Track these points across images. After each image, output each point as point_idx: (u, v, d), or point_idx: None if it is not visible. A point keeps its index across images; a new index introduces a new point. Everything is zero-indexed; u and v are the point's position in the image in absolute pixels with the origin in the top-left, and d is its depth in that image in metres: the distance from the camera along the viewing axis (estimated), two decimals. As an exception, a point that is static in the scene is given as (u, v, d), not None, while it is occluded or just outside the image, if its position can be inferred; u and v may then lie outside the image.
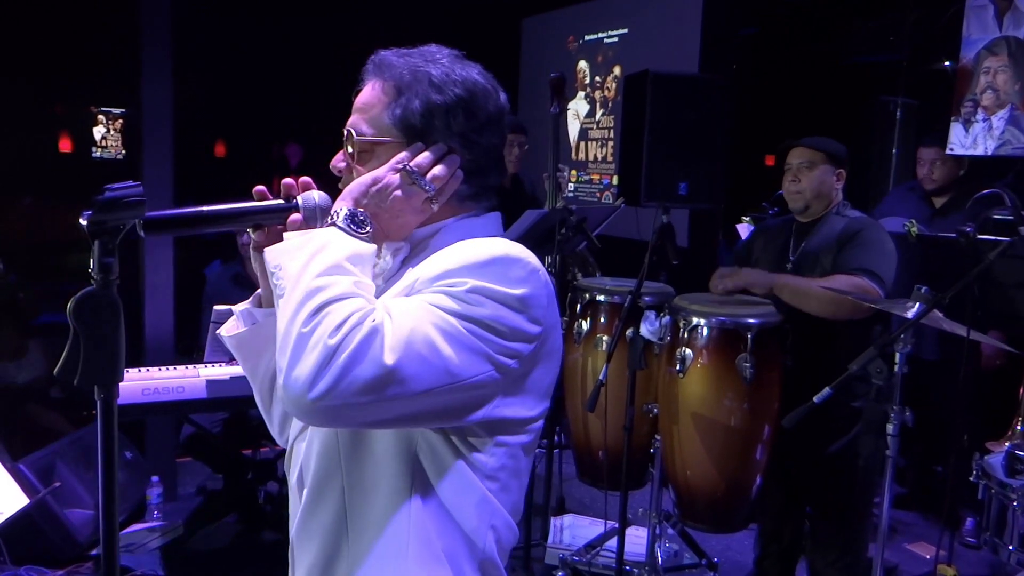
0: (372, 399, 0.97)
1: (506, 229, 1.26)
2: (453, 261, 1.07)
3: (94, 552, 3.18)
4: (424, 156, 1.14)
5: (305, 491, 1.18)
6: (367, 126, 1.18)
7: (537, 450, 3.64)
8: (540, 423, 1.17)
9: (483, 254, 1.07)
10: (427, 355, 1.00)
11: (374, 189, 1.13)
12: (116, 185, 1.10)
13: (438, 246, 1.15)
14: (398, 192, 1.13)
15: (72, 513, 3.23)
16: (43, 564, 3.07)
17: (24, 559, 3.06)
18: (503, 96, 1.19)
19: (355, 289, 1.02)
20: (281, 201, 1.17)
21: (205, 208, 1.18)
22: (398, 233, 1.16)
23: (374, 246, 1.11)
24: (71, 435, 3.66)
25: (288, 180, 1.20)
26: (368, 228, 1.11)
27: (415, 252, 1.19)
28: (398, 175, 1.13)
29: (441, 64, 1.16)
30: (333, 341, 0.96)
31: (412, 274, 1.11)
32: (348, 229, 1.09)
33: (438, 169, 1.14)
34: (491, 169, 1.19)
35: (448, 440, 1.11)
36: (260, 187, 1.20)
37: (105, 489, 1.16)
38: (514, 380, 1.09)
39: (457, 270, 1.05)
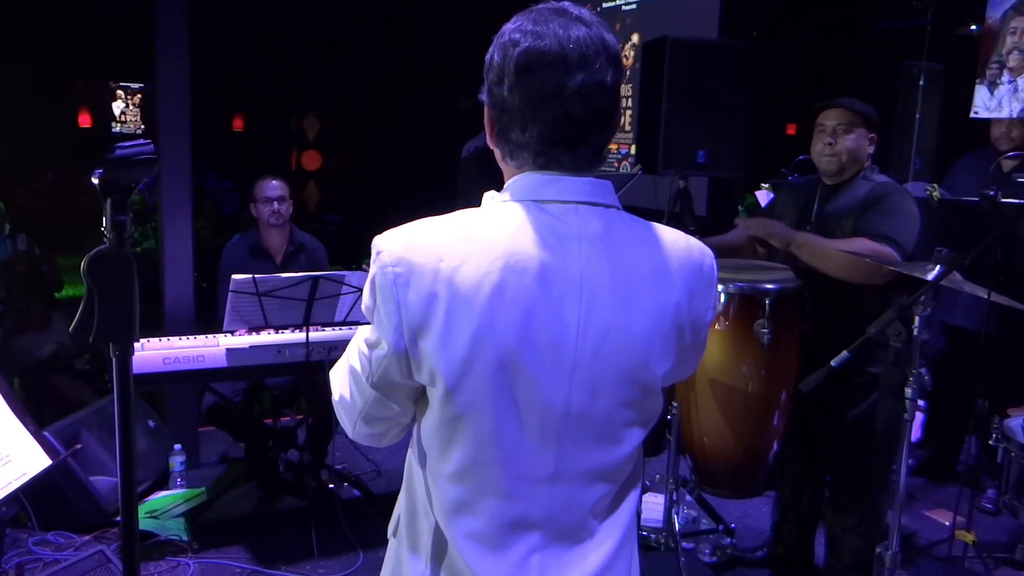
0: None
1: None
2: None
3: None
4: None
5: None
6: None
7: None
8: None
9: None
10: None
11: None
12: (126, 143, 1.11)
13: None
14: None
15: (97, 480, 3.29)
16: (70, 529, 3.14)
17: (51, 525, 3.13)
18: (529, 44, 1.07)
19: None
20: None
21: None
22: None
23: None
24: (95, 404, 3.72)
25: None
26: None
27: None
28: None
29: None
30: None
31: None
32: None
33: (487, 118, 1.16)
34: (514, 126, 1.10)
35: None
36: None
37: (122, 445, 1.18)
38: None
39: None
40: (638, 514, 2.79)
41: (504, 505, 1.11)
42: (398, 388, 1.12)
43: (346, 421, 1.21)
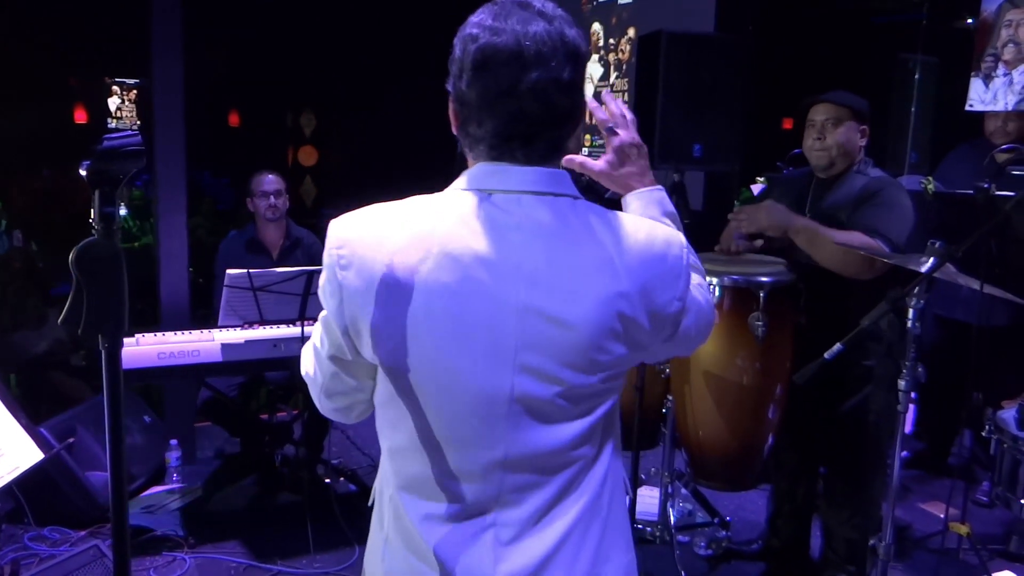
0: None
1: None
2: None
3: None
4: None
5: None
6: None
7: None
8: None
9: None
10: None
11: None
12: (114, 134, 1.11)
13: None
14: None
15: (93, 475, 3.29)
16: (66, 525, 3.14)
17: (47, 520, 3.14)
18: (485, 40, 1.08)
19: None
20: None
21: None
22: None
23: None
24: (90, 400, 3.72)
25: None
26: None
27: None
28: None
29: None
30: None
31: None
32: None
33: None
34: (471, 120, 1.12)
35: None
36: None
37: (112, 438, 1.18)
38: None
39: None
40: (630, 505, 2.80)
41: (455, 483, 1.14)
42: (349, 364, 1.17)
43: (313, 396, 1.27)
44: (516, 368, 1.09)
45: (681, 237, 1.19)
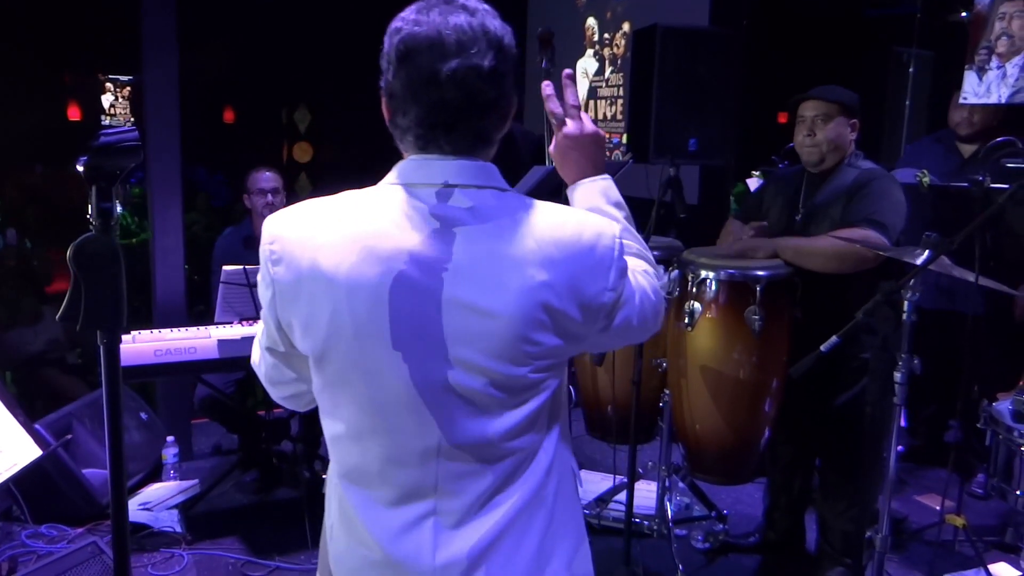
0: None
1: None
2: None
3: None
4: None
5: None
6: None
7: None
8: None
9: None
10: None
11: None
12: (111, 130, 1.11)
13: None
14: None
15: (90, 473, 3.28)
16: (63, 522, 3.13)
17: (44, 517, 3.13)
18: (408, 31, 1.11)
19: None
20: None
21: None
22: None
23: None
24: (87, 397, 3.71)
25: None
26: None
27: None
28: None
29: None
30: None
31: None
32: None
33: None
34: (399, 111, 1.14)
35: None
36: None
37: (111, 434, 1.18)
38: None
39: None
40: (632, 500, 2.81)
41: (392, 472, 1.17)
42: (285, 356, 1.22)
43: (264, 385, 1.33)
44: (445, 359, 1.11)
45: (615, 228, 1.19)
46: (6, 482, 2.73)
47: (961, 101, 3.67)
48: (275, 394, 1.32)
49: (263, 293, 1.18)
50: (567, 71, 1.41)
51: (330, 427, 1.21)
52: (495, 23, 1.13)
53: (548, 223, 1.14)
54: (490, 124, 1.16)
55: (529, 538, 1.19)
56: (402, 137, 1.17)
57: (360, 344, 1.11)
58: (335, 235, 1.12)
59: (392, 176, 1.16)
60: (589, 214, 1.21)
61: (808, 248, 2.64)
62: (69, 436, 3.23)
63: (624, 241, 1.22)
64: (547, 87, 1.39)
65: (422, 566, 1.16)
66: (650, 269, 1.32)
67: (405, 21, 1.12)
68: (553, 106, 1.38)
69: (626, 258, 1.22)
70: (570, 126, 1.37)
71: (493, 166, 1.18)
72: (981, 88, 3.61)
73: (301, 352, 1.18)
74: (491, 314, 1.09)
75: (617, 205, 1.35)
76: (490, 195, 1.14)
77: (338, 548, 1.24)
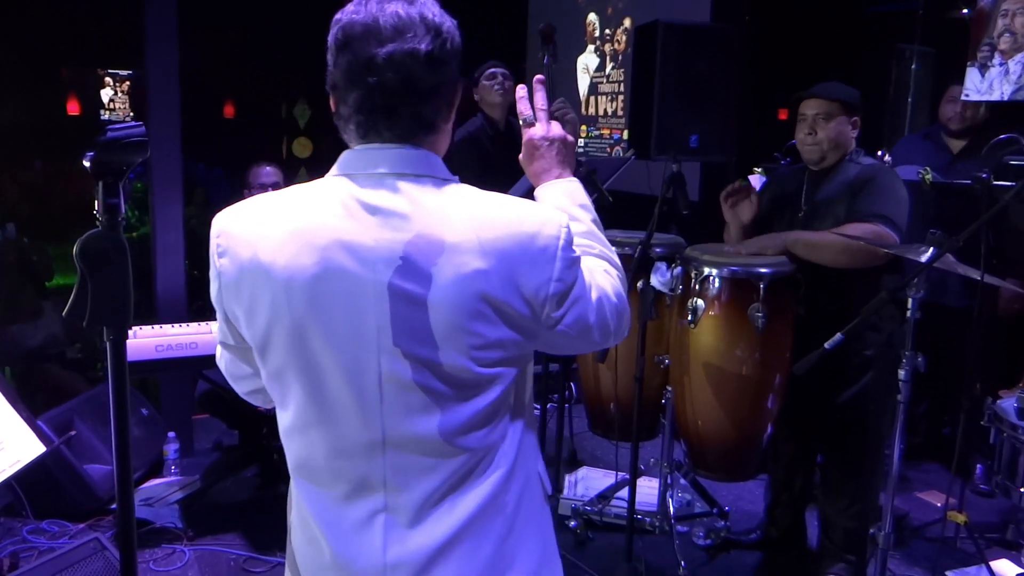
0: None
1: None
2: None
3: (114, 506, 3.23)
4: None
5: None
6: None
7: (549, 405, 3.61)
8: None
9: None
10: None
11: None
12: (118, 125, 1.10)
13: None
14: None
15: (91, 468, 3.28)
16: (65, 518, 3.13)
17: (46, 513, 3.12)
18: (346, 19, 1.13)
19: None
20: None
21: None
22: None
23: None
24: (87, 393, 3.71)
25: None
26: None
27: None
28: None
29: None
30: None
31: None
32: None
33: None
34: (340, 101, 1.15)
35: None
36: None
37: (117, 429, 1.18)
38: None
39: None
40: (634, 497, 2.81)
41: (340, 464, 1.16)
42: (236, 349, 1.23)
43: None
44: (381, 350, 1.10)
45: (561, 218, 1.16)
46: (10, 478, 2.72)
47: (963, 98, 3.67)
48: (239, 389, 1.33)
49: (212, 286, 1.19)
50: (538, 76, 1.42)
51: (281, 419, 1.21)
52: (434, 10, 1.13)
53: (488, 212, 1.12)
54: (431, 110, 1.15)
55: (485, 546, 1.17)
56: (345, 127, 1.17)
57: (299, 335, 1.11)
58: (275, 228, 1.12)
59: (335, 167, 1.16)
60: (536, 205, 1.18)
61: (819, 242, 2.63)
62: (73, 432, 3.22)
63: (575, 234, 1.21)
64: (521, 89, 1.40)
65: (373, 564, 1.16)
66: (612, 270, 1.29)
67: (344, 12, 1.13)
68: (523, 107, 1.38)
69: (584, 256, 1.20)
70: (536, 129, 1.37)
71: (435, 156, 1.17)
72: (983, 85, 3.60)
73: (249, 345, 1.18)
74: (426, 304, 1.08)
75: (583, 207, 1.32)
76: (429, 184, 1.13)
77: (299, 544, 1.25)
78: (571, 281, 1.15)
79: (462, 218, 1.10)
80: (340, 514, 1.17)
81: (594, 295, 1.20)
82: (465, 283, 1.08)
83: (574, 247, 1.17)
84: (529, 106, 1.38)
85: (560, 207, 1.29)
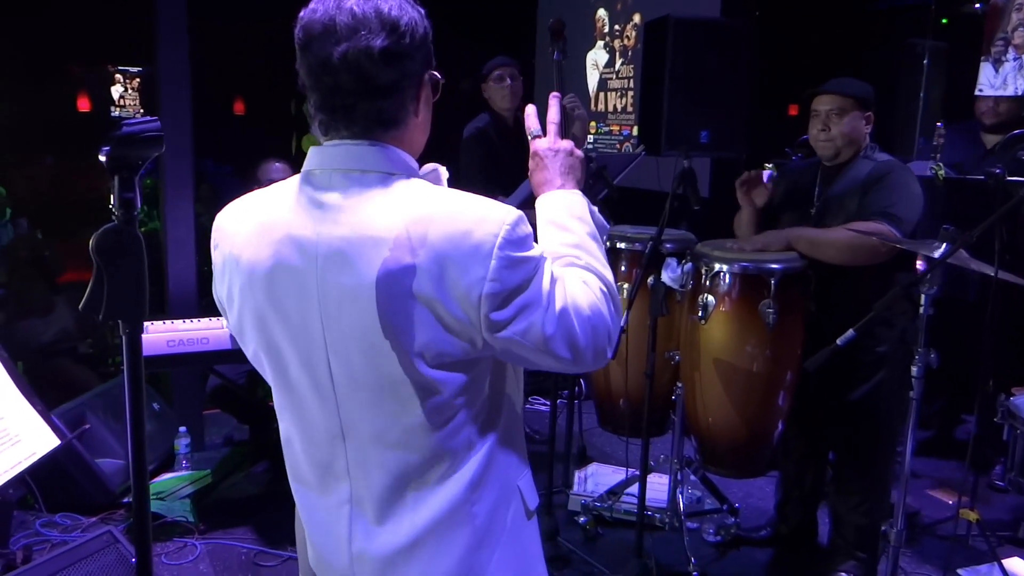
0: None
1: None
2: None
3: (126, 500, 3.25)
4: None
5: None
6: None
7: (558, 400, 3.60)
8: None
9: None
10: None
11: None
12: (133, 120, 1.10)
13: None
14: None
15: (103, 462, 3.30)
16: (77, 511, 3.15)
17: (58, 507, 3.15)
18: (306, 19, 1.13)
19: None
20: None
21: None
22: None
23: None
24: (99, 388, 3.73)
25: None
26: None
27: None
28: None
29: None
30: None
31: None
32: None
33: None
34: (308, 99, 1.16)
35: None
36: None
37: (133, 423, 1.18)
38: None
39: None
40: (644, 493, 2.80)
41: (312, 450, 1.23)
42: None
43: None
44: (328, 344, 1.13)
45: (506, 217, 1.08)
46: (26, 470, 2.75)
47: (977, 93, 3.65)
48: None
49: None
50: (553, 92, 1.43)
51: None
52: (390, 4, 1.12)
53: (425, 207, 1.08)
54: (392, 106, 1.13)
55: (450, 555, 1.16)
56: (313, 124, 1.19)
57: (262, 325, 1.18)
58: (247, 223, 1.19)
59: (304, 164, 1.20)
60: (482, 200, 1.11)
61: (822, 239, 2.63)
62: (87, 426, 3.24)
63: (562, 244, 1.20)
64: (530, 107, 1.41)
65: (340, 555, 1.22)
66: (594, 283, 1.18)
67: (306, 10, 1.14)
68: (531, 124, 1.39)
69: (566, 267, 1.17)
70: (543, 140, 1.37)
71: (394, 149, 1.14)
72: (997, 80, 3.58)
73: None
74: (359, 299, 1.08)
75: (579, 219, 1.26)
76: (375, 179, 1.12)
77: (299, 531, 1.37)
78: (514, 283, 1.07)
79: (399, 213, 1.08)
80: (316, 503, 1.25)
81: (558, 305, 1.11)
82: (394, 279, 1.06)
83: (528, 249, 1.10)
84: (537, 122, 1.39)
85: (553, 218, 1.26)
